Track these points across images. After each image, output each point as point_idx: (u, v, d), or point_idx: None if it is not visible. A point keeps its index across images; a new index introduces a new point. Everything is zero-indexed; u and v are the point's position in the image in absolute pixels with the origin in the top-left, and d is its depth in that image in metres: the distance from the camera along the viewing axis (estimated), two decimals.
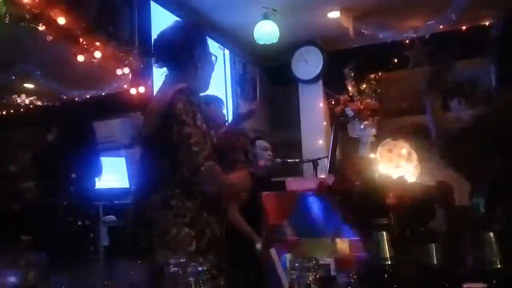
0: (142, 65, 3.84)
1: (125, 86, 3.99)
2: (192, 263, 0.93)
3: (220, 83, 5.29)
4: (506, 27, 1.54)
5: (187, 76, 1.92)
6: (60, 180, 3.53)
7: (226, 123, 3.00)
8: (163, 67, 1.98)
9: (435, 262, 0.96)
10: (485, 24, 4.98)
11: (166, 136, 1.78)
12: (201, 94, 2.04)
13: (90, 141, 3.74)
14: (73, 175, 3.55)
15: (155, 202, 1.80)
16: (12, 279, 1.26)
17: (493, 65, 1.56)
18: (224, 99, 5.35)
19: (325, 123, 5.86)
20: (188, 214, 1.79)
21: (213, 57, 2.04)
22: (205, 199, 1.82)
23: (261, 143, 3.52)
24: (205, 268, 0.91)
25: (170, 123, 1.77)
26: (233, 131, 2.23)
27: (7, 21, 2.97)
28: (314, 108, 5.89)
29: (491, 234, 0.95)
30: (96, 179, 3.76)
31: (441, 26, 4.68)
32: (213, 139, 1.93)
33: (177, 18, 4.59)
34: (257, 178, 2.97)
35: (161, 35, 2.00)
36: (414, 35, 4.96)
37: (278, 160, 3.56)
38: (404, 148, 2.48)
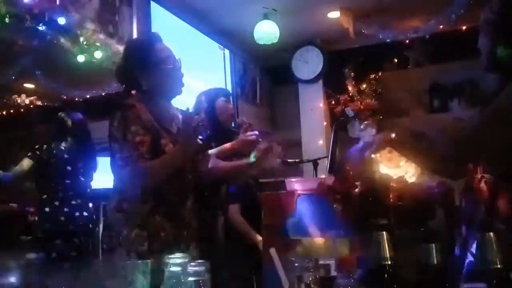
0: None
1: None
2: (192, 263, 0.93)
3: (220, 83, 5.29)
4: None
5: (147, 86, 1.99)
6: (59, 180, 3.53)
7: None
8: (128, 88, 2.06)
9: (435, 262, 0.96)
10: None
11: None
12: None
13: (88, 139, 3.75)
14: (74, 174, 3.55)
15: (111, 205, 1.95)
16: (12, 279, 1.26)
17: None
18: None
19: (325, 123, 5.85)
20: (139, 217, 1.88)
21: (177, 61, 2.01)
22: (158, 203, 1.91)
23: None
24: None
25: (109, 139, 1.92)
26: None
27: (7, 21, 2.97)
28: (314, 108, 5.89)
29: (491, 234, 0.95)
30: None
31: (441, 26, 4.67)
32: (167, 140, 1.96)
33: (177, 18, 4.60)
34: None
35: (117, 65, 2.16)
36: (414, 35, 4.95)
37: (278, 160, 3.55)
38: None
